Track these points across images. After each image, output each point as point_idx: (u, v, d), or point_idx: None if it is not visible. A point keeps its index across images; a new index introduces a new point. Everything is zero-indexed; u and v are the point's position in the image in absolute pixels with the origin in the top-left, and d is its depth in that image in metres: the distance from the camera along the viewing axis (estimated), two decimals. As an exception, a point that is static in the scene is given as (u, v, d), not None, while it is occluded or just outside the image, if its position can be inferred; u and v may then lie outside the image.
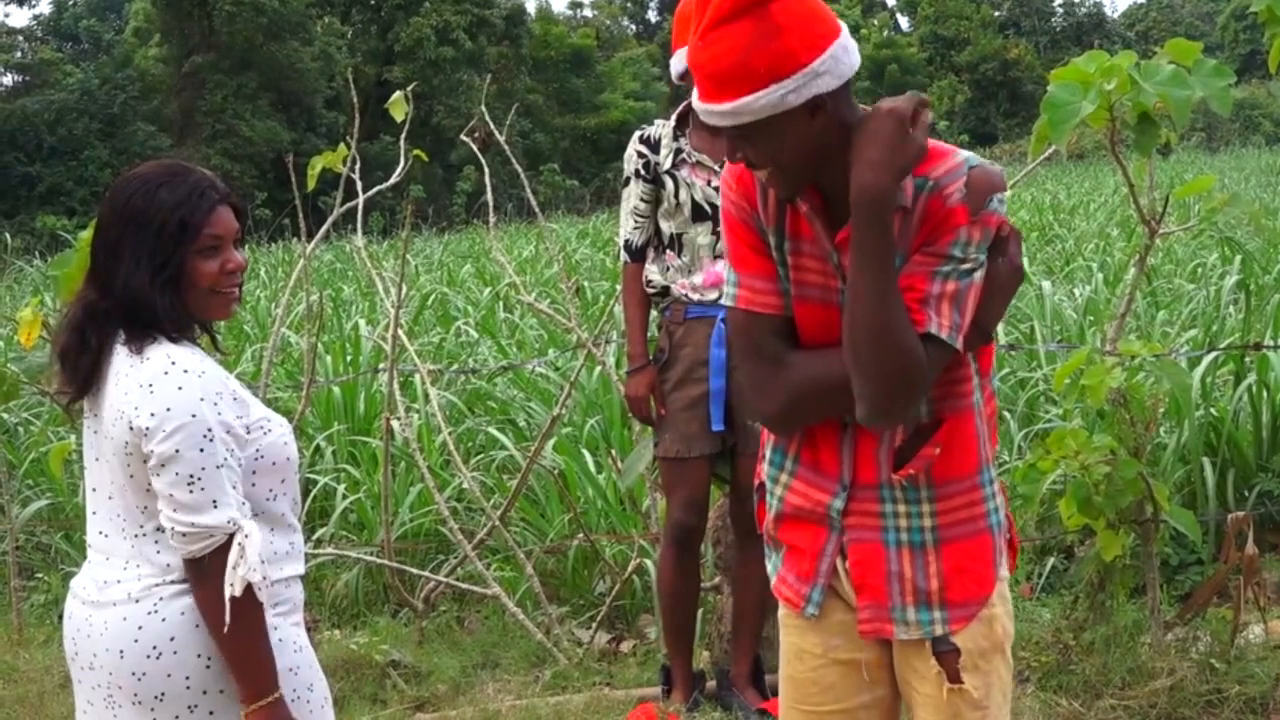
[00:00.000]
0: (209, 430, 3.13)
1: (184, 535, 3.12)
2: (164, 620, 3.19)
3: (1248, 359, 8.28)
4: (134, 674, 3.19)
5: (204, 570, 3.14)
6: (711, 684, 6.04)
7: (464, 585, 7.25)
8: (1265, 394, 7.90)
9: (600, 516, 7.91)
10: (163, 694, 3.19)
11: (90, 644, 3.27)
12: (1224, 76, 5.16)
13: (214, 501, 3.12)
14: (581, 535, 7.22)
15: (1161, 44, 5.29)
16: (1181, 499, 7.25)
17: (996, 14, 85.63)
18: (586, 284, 14.26)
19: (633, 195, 5.77)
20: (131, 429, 3.13)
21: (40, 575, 8.69)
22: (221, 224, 3.28)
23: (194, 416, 3.11)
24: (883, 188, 2.88)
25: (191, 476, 3.10)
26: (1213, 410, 7.89)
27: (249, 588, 3.13)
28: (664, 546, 5.97)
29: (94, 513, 3.35)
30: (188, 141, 51.33)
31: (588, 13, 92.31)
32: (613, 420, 8.85)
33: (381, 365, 8.45)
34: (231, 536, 3.13)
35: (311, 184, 7.21)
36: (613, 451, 7.72)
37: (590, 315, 10.71)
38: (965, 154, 3.03)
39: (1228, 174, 30.09)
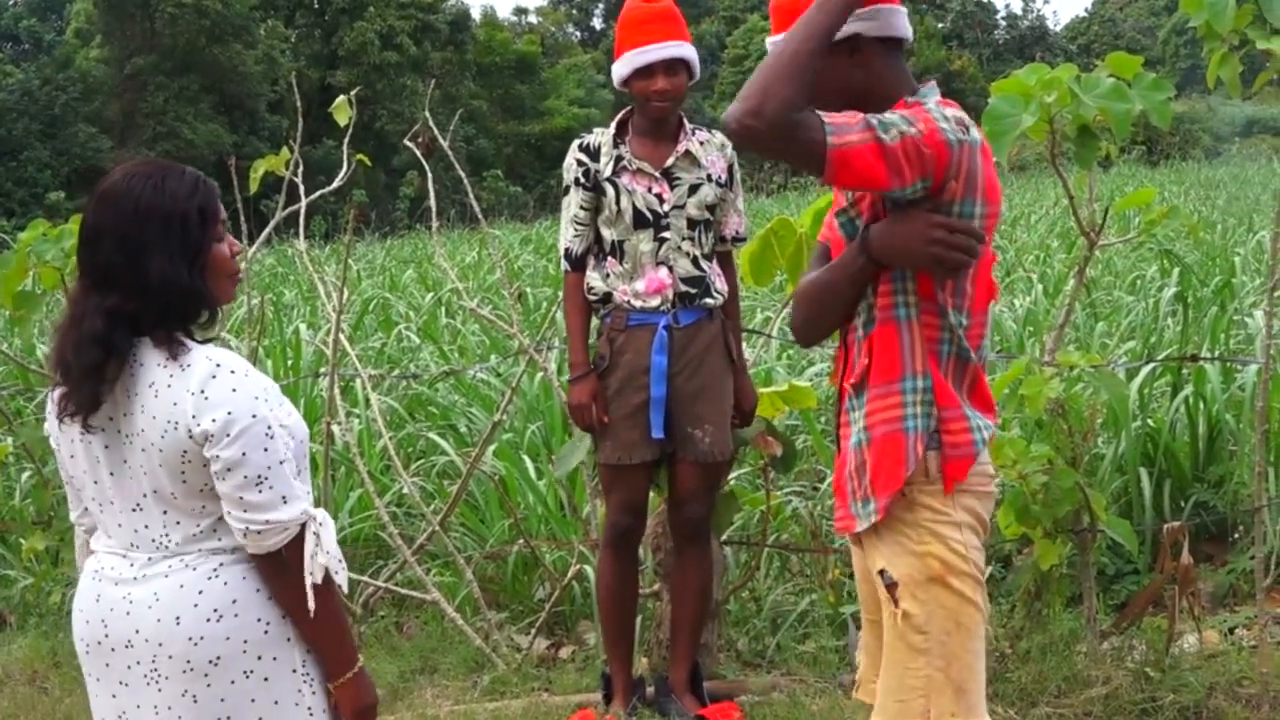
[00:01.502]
0: (269, 428, 3.17)
1: (259, 533, 3.16)
2: (226, 584, 3.23)
3: (1185, 370, 8.34)
4: (190, 639, 3.20)
5: (282, 562, 3.21)
6: (650, 690, 6.05)
7: (403, 590, 7.24)
8: (1202, 405, 7.96)
9: (540, 522, 7.91)
10: (219, 658, 3.21)
11: (130, 620, 3.26)
12: (1163, 90, 5.20)
13: (283, 497, 3.17)
14: (521, 541, 7.22)
15: (1103, 57, 5.33)
16: (1118, 509, 7.31)
17: (940, 26, 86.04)
18: (529, 290, 14.26)
19: (573, 204, 5.77)
20: (191, 436, 3.13)
21: (-25, 579, 8.63)
22: (222, 208, 3.35)
23: (255, 417, 3.15)
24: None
25: (260, 477, 3.14)
26: (1150, 421, 7.95)
27: (326, 572, 3.22)
28: (602, 549, 5.99)
29: (119, 524, 3.31)
30: (129, 143, 51.09)
31: (533, 19, 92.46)
32: (554, 426, 8.85)
33: (322, 370, 8.43)
34: (303, 527, 3.20)
35: (254, 187, 7.20)
36: (553, 457, 7.72)
37: (532, 321, 10.72)
38: (960, 113, 3.45)
39: (1167, 187, 30.28)
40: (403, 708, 6.25)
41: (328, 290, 7.78)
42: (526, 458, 8.39)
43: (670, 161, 5.69)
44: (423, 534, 7.20)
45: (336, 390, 7.36)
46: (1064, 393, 5.56)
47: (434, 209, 7.80)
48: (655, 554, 6.34)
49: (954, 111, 3.44)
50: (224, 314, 7.49)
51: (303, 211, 7.43)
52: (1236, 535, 7.40)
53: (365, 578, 7.32)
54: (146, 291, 3.18)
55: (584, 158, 5.74)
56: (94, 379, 3.19)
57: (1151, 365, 8.24)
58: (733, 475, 6.44)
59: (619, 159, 5.70)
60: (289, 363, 11.25)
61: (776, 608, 7.02)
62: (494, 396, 9.87)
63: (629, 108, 5.83)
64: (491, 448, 8.05)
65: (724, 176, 5.77)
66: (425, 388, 10.68)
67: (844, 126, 3.30)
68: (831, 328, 3.74)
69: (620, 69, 5.60)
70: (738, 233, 5.87)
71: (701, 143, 5.75)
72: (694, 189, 5.70)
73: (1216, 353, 9.19)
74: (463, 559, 7.09)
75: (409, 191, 45.99)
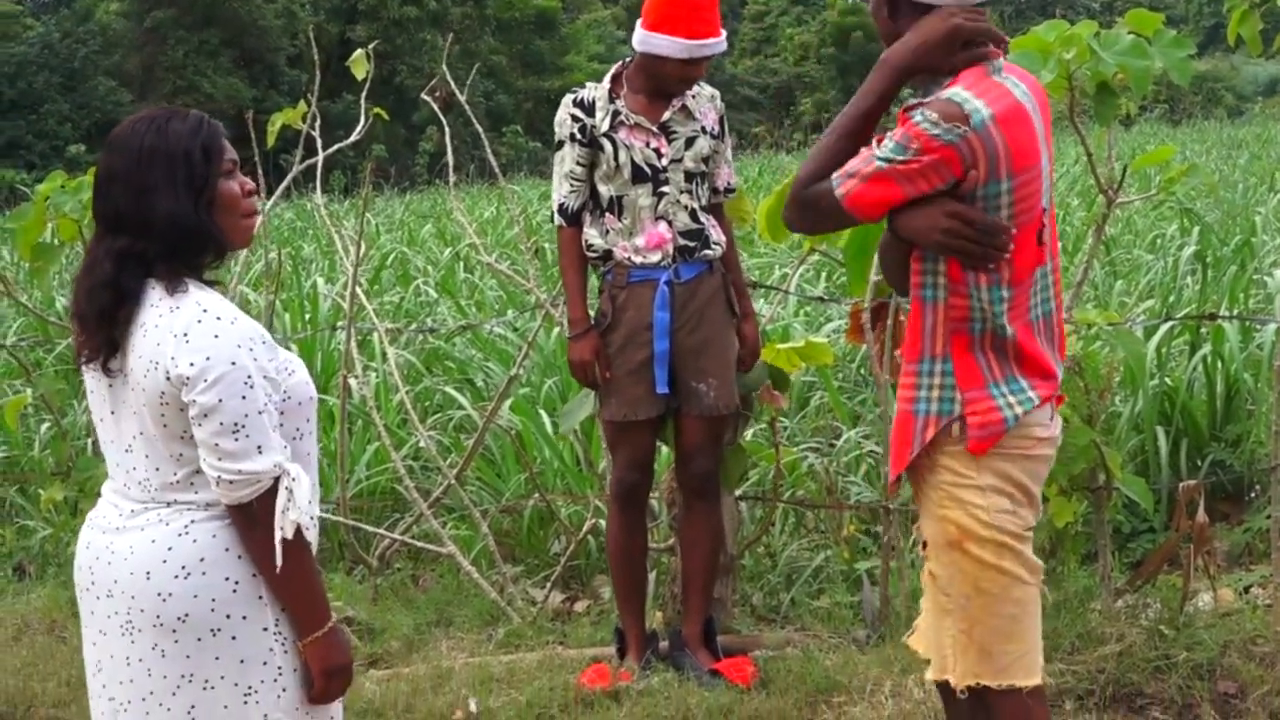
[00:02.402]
0: (249, 377, 3.16)
1: (230, 483, 3.16)
2: (195, 542, 3.24)
3: (1203, 329, 8.32)
4: (159, 595, 3.22)
5: (252, 515, 3.20)
6: (664, 644, 6.06)
7: (419, 543, 7.26)
8: (1219, 364, 7.95)
9: (556, 477, 7.92)
10: (186, 615, 3.22)
11: (110, 570, 3.29)
12: (1183, 48, 5.17)
13: (259, 447, 3.16)
14: (537, 495, 7.23)
15: (1125, 15, 5.30)
16: (1134, 467, 7.30)
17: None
18: (546, 245, 14.25)
19: (567, 159, 5.75)
20: (169, 379, 3.15)
21: (-6, 529, 8.67)
22: (230, 148, 3.36)
23: (234, 364, 3.15)
24: (890, 59, 3.59)
25: (236, 425, 3.14)
26: (1167, 380, 7.95)
27: (298, 528, 3.20)
28: (610, 505, 6.00)
29: (116, 464, 3.36)
30: (149, 97, 51.00)
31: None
32: (570, 381, 8.83)
33: (340, 323, 8.44)
34: (277, 481, 3.19)
35: (271, 141, 7.20)
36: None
37: (549, 277, 10.70)
38: (962, 93, 3.48)
39: (1189, 146, 30.12)
40: (417, 660, 6.27)
41: (345, 244, 7.77)
42: (543, 412, 8.40)
43: (667, 116, 5.68)
44: (439, 488, 7.21)
45: (354, 344, 7.36)
46: (1081, 350, 5.55)
47: (451, 164, 7.79)
48: (670, 509, 6.34)
49: (947, 100, 3.46)
50: (242, 265, 7.53)
51: (320, 165, 7.43)
52: (1253, 494, 7.40)
53: (381, 530, 7.34)
54: (153, 230, 3.21)
55: (579, 113, 5.73)
56: (107, 323, 3.22)
57: (1170, 324, 8.21)
58: (747, 432, 6.44)
59: (616, 114, 5.69)
60: (306, 317, 11.26)
61: (791, 563, 7.03)
62: (510, 351, 9.87)
63: (624, 61, 5.82)
64: (508, 402, 8.06)
65: (716, 128, 5.78)
66: (442, 342, 10.69)
67: (846, 173, 3.53)
68: (895, 281, 3.82)
69: (667, 48, 5.55)
70: (729, 184, 5.89)
71: (694, 96, 5.75)
72: (690, 142, 5.70)
73: (1235, 311, 9.18)
74: (479, 513, 7.10)
75: (428, 147, 45.88)
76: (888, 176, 3.46)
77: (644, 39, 5.61)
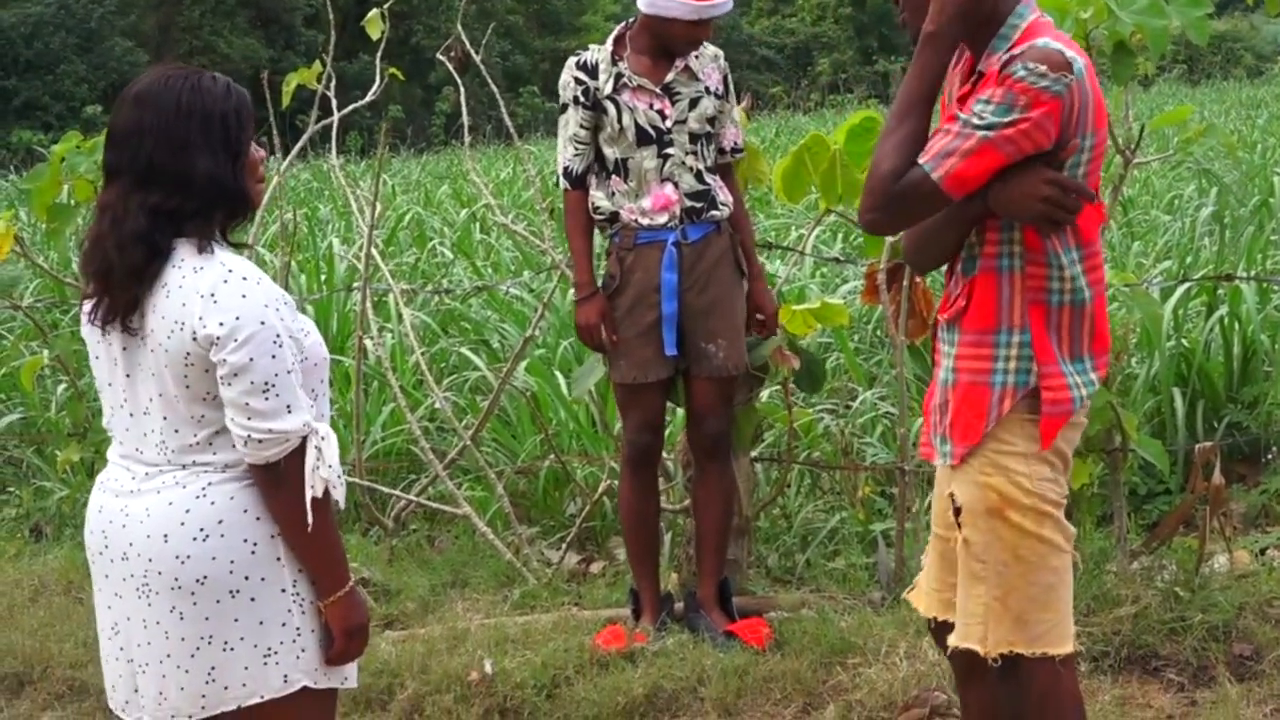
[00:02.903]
0: (278, 336, 3.17)
1: (260, 442, 3.16)
2: (213, 504, 3.24)
3: (1220, 290, 8.30)
4: (177, 557, 3.22)
5: (280, 474, 3.21)
6: (679, 606, 6.07)
7: (435, 505, 7.27)
8: (1237, 326, 7.94)
9: (572, 438, 7.93)
10: (205, 577, 3.23)
11: (125, 533, 3.29)
12: (1201, 6, 5.15)
13: (288, 407, 3.17)
14: (553, 456, 7.24)
15: (1144, -26, 5.27)
16: (1151, 429, 7.30)
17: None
18: (562, 206, 14.28)
19: (571, 122, 5.74)
20: (195, 339, 3.15)
21: (12, 489, 8.69)
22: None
23: (263, 324, 3.15)
24: (942, 30, 3.47)
25: (266, 384, 3.14)
26: (1184, 341, 7.93)
27: (325, 488, 3.22)
28: (622, 468, 6.01)
29: (127, 429, 3.35)
30: (165, 57, 50.91)
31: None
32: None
33: (355, 284, 8.44)
34: (304, 440, 3.19)
35: (286, 101, 7.19)
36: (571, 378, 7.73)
37: (565, 238, 10.73)
38: (1053, 41, 3.41)
39: (1208, 106, 30.01)
40: (433, 621, 6.28)
41: (361, 205, 7.76)
42: (558, 373, 8.41)
43: (670, 77, 5.67)
44: (454, 449, 7.22)
45: (369, 305, 7.36)
46: (1097, 311, 5.53)
47: (466, 125, 7.77)
48: (685, 470, 6.34)
49: (1050, 48, 3.39)
50: (258, 225, 7.53)
51: (335, 126, 7.41)
52: (1269, 456, 7.38)
53: (397, 492, 7.36)
54: (190, 188, 3.20)
55: (582, 75, 5.71)
56: (136, 279, 3.20)
57: (1187, 285, 8.20)
58: (763, 392, 6.44)
59: (619, 76, 5.67)
60: (323, 278, 11.27)
61: (806, 525, 7.04)
62: (526, 312, 9.87)
63: (627, 22, 5.80)
64: (523, 363, 8.06)
65: (720, 88, 5.76)
66: (458, 303, 10.69)
67: (940, 153, 3.40)
68: (939, 259, 3.75)
69: (675, 9, 5.53)
70: (736, 144, 5.86)
71: (697, 56, 5.72)
72: (694, 103, 5.68)
73: (1253, 272, 9.15)
74: (494, 474, 7.11)
75: (444, 107, 45.79)
76: (993, 146, 3.36)
77: (650, 0, 5.59)
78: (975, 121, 3.37)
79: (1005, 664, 3.63)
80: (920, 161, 3.42)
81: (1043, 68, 3.33)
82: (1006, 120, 3.34)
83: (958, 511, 3.62)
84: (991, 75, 3.41)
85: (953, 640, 3.72)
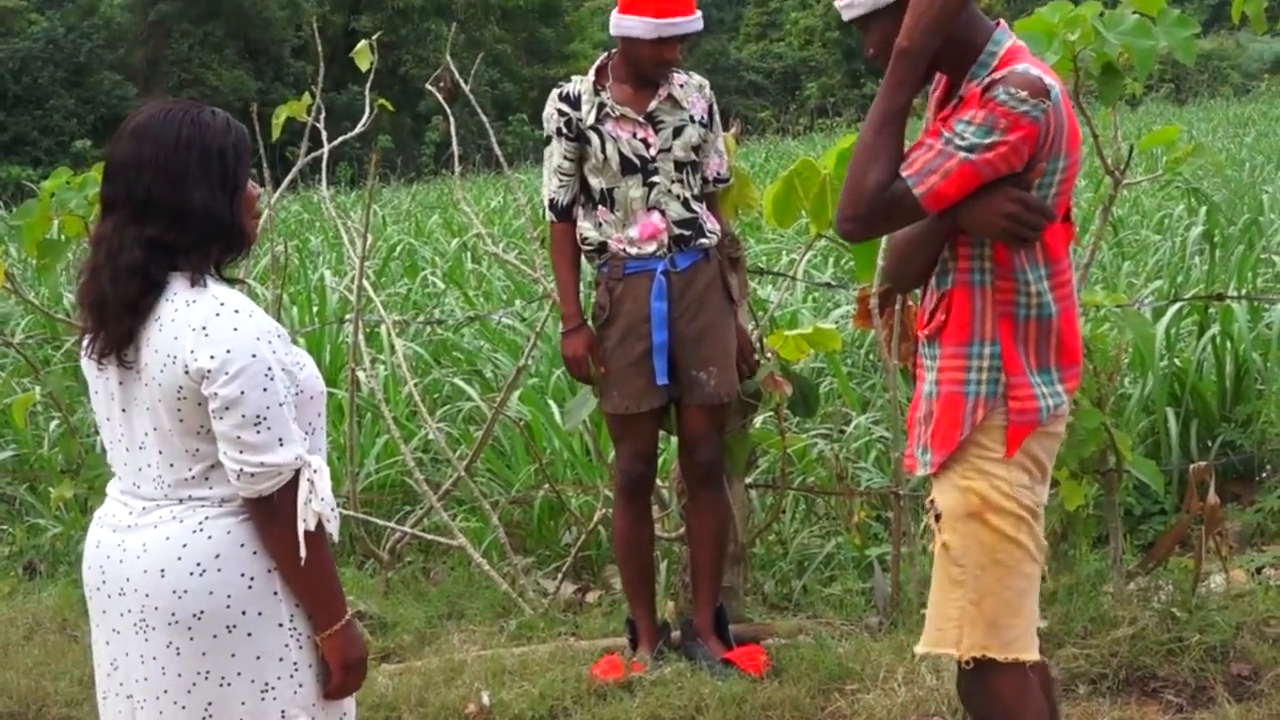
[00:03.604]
0: (269, 369, 3.15)
1: (252, 475, 3.15)
2: (210, 538, 3.22)
3: (1212, 310, 8.31)
4: (174, 592, 3.21)
5: (274, 508, 3.19)
6: (676, 634, 6.06)
7: (430, 536, 7.26)
8: (1229, 344, 7.94)
9: (566, 467, 7.92)
10: (202, 612, 3.21)
11: (123, 568, 3.28)
12: (1188, 27, 5.17)
13: (280, 440, 3.15)
14: (547, 486, 7.22)
15: (1130, -6, 5.29)
16: (1145, 449, 7.30)
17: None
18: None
19: (555, 154, 5.74)
20: (188, 372, 3.13)
21: (5, 527, 8.67)
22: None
23: (254, 357, 3.14)
24: (914, 45, 3.52)
25: (258, 417, 3.13)
26: (1177, 361, 7.94)
27: (319, 520, 3.20)
28: (616, 498, 6.00)
29: (124, 463, 3.34)
30: (154, 91, 50.95)
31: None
32: (578, 372, 8.85)
33: (347, 316, 8.43)
34: (297, 473, 3.18)
35: (276, 134, 7.19)
36: (562, 410, 7.72)
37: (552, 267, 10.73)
38: (1032, 67, 3.51)
39: (1196, 125, 30.11)
40: (430, 653, 6.27)
41: (352, 236, 7.76)
42: (552, 402, 8.39)
43: (653, 105, 5.67)
44: (449, 480, 7.21)
45: (361, 336, 7.35)
46: (1090, 333, 5.54)
47: (456, 154, 7.77)
48: (680, 498, 6.33)
49: (1030, 74, 3.48)
50: (249, 258, 7.52)
51: (325, 157, 7.42)
52: (1264, 474, 7.39)
53: (392, 524, 7.34)
54: (187, 222, 3.19)
55: (565, 107, 5.71)
56: (131, 312, 3.19)
57: (1178, 304, 8.20)
58: (757, 418, 6.43)
59: (601, 106, 5.67)
60: (314, 309, 11.26)
61: (802, 550, 7.03)
62: (519, 341, 9.86)
63: (609, 52, 5.80)
64: (517, 393, 8.06)
65: (705, 117, 5.76)
66: (450, 333, 10.69)
67: (924, 170, 3.50)
68: (920, 273, 3.80)
69: (637, 29, 5.55)
70: (719, 174, 5.86)
71: (681, 85, 5.73)
72: (678, 131, 5.68)
73: (1244, 291, 9.16)
74: (489, 504, 7.11)
75: (434, 137, 45.87)
76: (972, 167, 3.46)
77: (616, 22, 5.63)
78: (958, 141, 3.46)
79: (974, 669, 3.68)
80: (903, 175, 3.52)
81: (1024, 93, 3.43)
82: (987, 142, 3.44)
83: (937, 517, 3.70)
84: (974, 97, 3.50)
85: (922, 646, 3.79)
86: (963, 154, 3.45)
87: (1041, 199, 3.54)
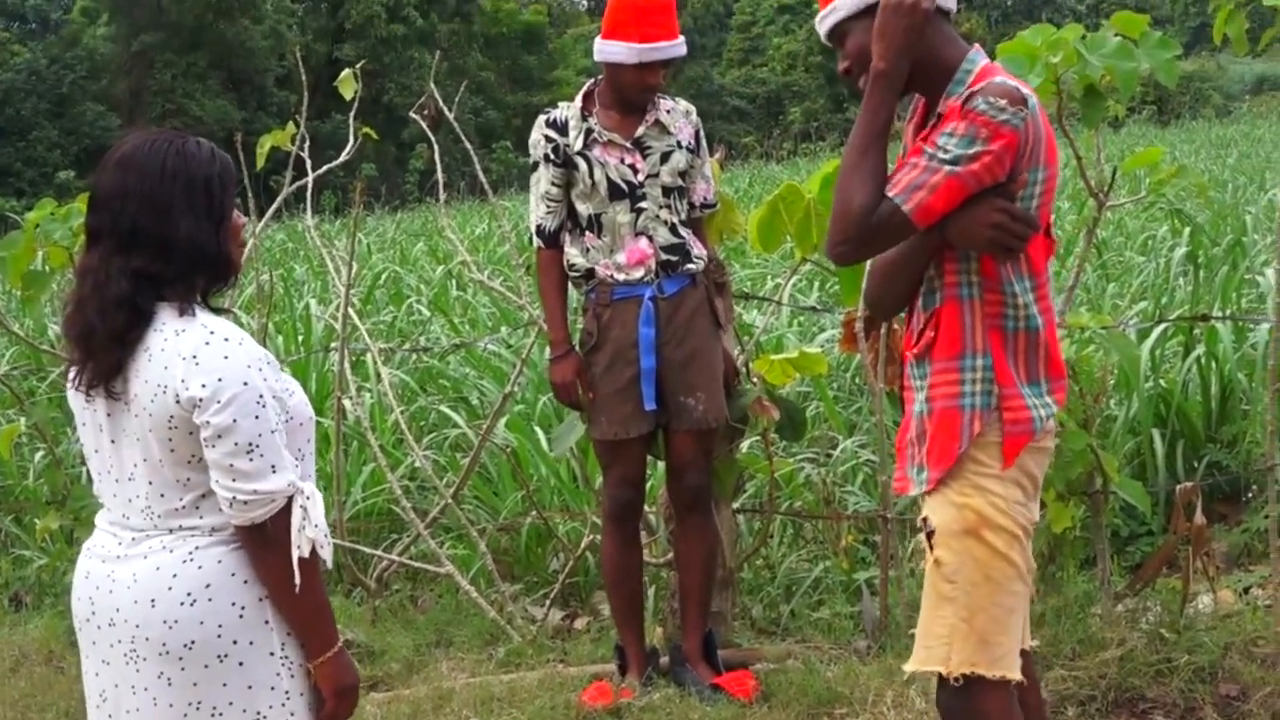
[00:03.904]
0: (260, 397, 3.14)
1: (245, 503, 3.13)
2: (200, 568, 3.20)
3: (1197, 330, 8.32)
4: (165, 622, 3.19)
5: (267, 535, 3.18)
6: (665, 660, 6.05)
7: (417, 564, 7.24)
8: (1214, 365, 7.95)
9: (553, 494, 7.91)
10: (193, 642, 3.20)
11: (113, 599, 3.26)
12: (1170, 49, 5.18)
13: (273, 467, 3.14)
14: (534, 513, 7.22)
15: (1111, 17, 5.31)
16: (1131, 470, 7.30)
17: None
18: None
19: (543, 180, 5.74)
20: (179, 402, 3.12)
21: (-11, 559, 8.64)
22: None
23: (246, 384, 3.12)
24: (889, 67, 3.58)
25: (250, 445, 3.12)
26: (1162, 382, 7.95)
27: (312, 548, 3.19)
28: (604, 524, 5.99)
29: (114, 494, 3.33)
30: (137, 121, 51.00)
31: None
32: (565, 398, 8.84)
33: (333, 344, 8.43)
34: (290, 500, 3.17)
35: (260, 163, 7.19)
36: (550, 437, 7.72)
37: (539, 293, 10.74)
38: (1008, 80, 3.55)
39: (1178, 146, 30.22)
40: (418, 681, 6.26)
41: (337, 265, 7.76)
42: (538, 429, 8.40)
43: (640, 131, 5.67)
44: (436, 507, 7.20)
45: (347, 365, 7.35)
46: (1075, 355, 5.55)
47: (441, 182, 7.78)
48: (668, 523, 6.33)
49: (1007, 84, 3.52)
50: (235, 288, 7.51)
51: (310, 186, 7.42)
52: (1250, 495, 7.39)
53: (379, 552, 7.33)
54: (173, 252, 3.18)
55: (552, 133, 5.71)
56: (118, 343, 3.17)
57: (1163, 325, 8.21)
58: (743, 443, 6.43)
59: (589, 132, 5.67)
60: (300, 338, 11.25)
61: (790, 575, 7.03)
62: (505, 368, 9.86)
63: (595, 79, 5.81)
64: (503, 420, 8.06)
65: (691, 142, 5.76)
66: (436, 361, 10.68)
67: (910, 186, 3.52)
68: (902, 296, 3.83)
69: (619, 53, 5.56)
70: (706, 199, 5.86)
71: (668, 111, 5.73)
72: (665, 156, 5.68)
73: (1228, 312, 9.18)
74: (476, 531, 7.09)
75: (418, 164, 45.96)
76: (959, 179, 3.48)
77: (599, 48, 5.65)
78: (941, 155, 3.49)
79: (961, 687, 3.68)
80: (890, 194, 3.54)
81: (1002, 101, 3.46)
82: (970, 153, 3.46)
83: (929, 534, 3.70)
84: (953, 111, 3.53)
85: (911, 665, 3.79)
86: (948, 167, 3.47)
87: (1026, 209, 3.56)
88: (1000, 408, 3.63)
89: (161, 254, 3.17)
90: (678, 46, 5.60)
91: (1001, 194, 3.52)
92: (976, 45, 3.71)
